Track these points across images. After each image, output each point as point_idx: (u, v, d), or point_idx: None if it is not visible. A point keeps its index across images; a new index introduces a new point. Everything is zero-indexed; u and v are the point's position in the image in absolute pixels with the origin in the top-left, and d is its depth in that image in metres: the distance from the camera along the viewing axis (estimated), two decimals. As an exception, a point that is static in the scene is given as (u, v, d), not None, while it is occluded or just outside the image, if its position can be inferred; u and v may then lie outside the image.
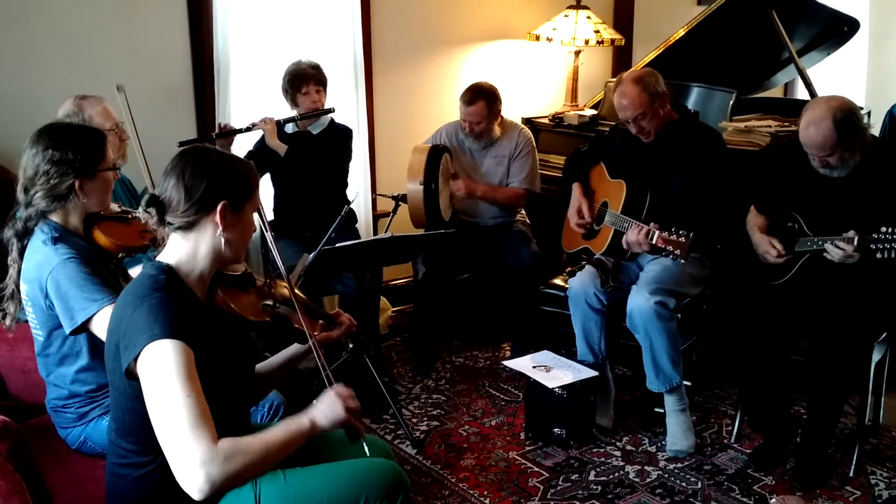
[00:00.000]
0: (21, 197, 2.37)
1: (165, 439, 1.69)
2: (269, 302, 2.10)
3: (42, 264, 2.30)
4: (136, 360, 1.76)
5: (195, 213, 1.89)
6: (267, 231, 2.24)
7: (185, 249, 1.92)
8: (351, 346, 3.40)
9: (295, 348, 2.25)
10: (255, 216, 2.03)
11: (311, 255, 3.22)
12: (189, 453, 1.66)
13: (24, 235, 2.36)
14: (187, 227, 1.91)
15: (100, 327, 2.25)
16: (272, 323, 2.09)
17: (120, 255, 2.49)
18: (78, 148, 2.33)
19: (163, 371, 1.72)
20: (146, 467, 1.90)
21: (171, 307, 1.80)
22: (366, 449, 1.99)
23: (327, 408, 1.88)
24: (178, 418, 1.68)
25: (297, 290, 2.16)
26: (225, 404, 1.80)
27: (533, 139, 4.30)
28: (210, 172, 1.90)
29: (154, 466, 1.89)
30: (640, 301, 3.28)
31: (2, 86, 3.61)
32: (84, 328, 2.28)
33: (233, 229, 1.93)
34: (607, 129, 3.92)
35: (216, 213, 1.89)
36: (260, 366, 2.23)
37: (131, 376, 1.80)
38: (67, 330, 2.29)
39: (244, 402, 2.11)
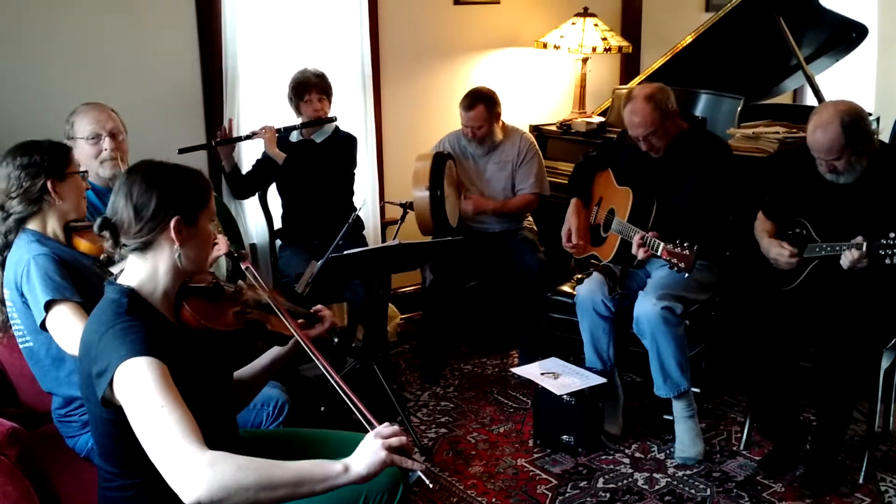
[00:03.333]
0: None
1: (153, 450, 1.63)
2: (240, 309, 2.03)
3: (18, 263, 2.38)
4: (110, 385, 1.71)
5: (149, 233, 1.83)
6: (241, 262, 2.22)
7: (145, 270, 1.86)
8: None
9: (276, 351, 2.18)
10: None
11: (319, 263, 3.23)
12: (177, 458, 1.60)
13: (5, 248, 2.44)
14: (143, 247, 1.84)
15: (56, 322, 2.30)
16: (246, 330, 2.02)
17: (102, 256, 2.51)
18: (44, 152, 2.44)
19: (139, 387, 1.67)
20: (132, 490, 1.85)
21: (137, 329, 1.75)
22: (427, 482, 1.78)
23: (366, 450, 1.70)
24: (161, 428, 1.62)
25: (270, 290, 2.09)
26: (206, 418, 1.74)
27: (535, 142, 4.32)
28: (157, 187, 1.83)
29: (140, 490, 1.84)
30: (647, 306, 3.28)
31: (12, 94, 3.64)
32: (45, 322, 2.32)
33: (190, 243, 1.86)
34: (615, 135, 3.92)
35: (170, 229, 1.83)
36: (241, 371, 2.17)
37: (108, 404, 1.75)
38: (38, 318, 2.33)
39: (226, 412, 2.05)
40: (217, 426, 1.71)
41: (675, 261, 3.08)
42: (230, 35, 4.06)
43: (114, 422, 1.77)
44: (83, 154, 2.84)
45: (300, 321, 2.10)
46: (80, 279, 2.40)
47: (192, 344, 1.90)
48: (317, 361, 1.94)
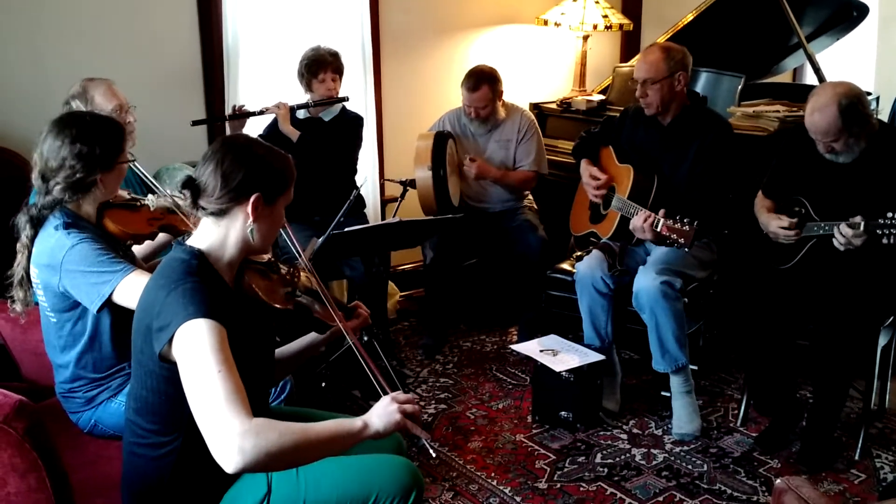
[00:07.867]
0: (38, 184, 2.38)
1: (200, 413, 1.71)
2: (291, 290, 2.13)
3: (55, 249, 2.32)
4: (170, 341, 1.79)
5: (228, 202, 1.92)
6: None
7: (216, 235, 1.95)
8: (366, 338, 3.44)
9: (312, 337, 2.28)
10: None
11: (320, 240, 3.24)
12: (223, 425, 1.67)
13: (39, 223, 2.37)
14: (219, 213, 1.93)
15: (123, 296, 2.27)
16: (294, 311, 2.12)
17: (128, 242, 2.50)
18: (103, 141, 2.35)
19: (197, 348, 1.75)
20: (165, 447, 1.91)
21: (205, 291, 1.83)
22: (431, 451, 2.02)
23: (382, 410, 1.86)
24: (212, 393, 1.70)
25: (318, 280, 2.19)
26: (247, 386, 1.80)
27: (535, 121, 4.32)
28: (249, 164, 1.93)
29: (172, 447, 1.90)
30: (646, 281, 3.30)
31: (12, 71, 3.63)
32: (108, 302, 2.30)
33: (263, 221, 1.96)
34: (616, 114, 3.92)
35: (249, 203, 1.92)
36: (277, 351, 2.25)
37: (164, 359, 1.83)
38: (94, 308, 2.31)
39: (263, 385, 2.14)
40: (254, 396, 1.77)
41: (674, 236, 3.09)
42: (230, 11, 4.04)
43: (165, 378, 1.85)
44: None
45: (340, 313, 2.19)
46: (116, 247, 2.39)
47: (245, 313, 1.97)
48: (356, 351, 2.06)
